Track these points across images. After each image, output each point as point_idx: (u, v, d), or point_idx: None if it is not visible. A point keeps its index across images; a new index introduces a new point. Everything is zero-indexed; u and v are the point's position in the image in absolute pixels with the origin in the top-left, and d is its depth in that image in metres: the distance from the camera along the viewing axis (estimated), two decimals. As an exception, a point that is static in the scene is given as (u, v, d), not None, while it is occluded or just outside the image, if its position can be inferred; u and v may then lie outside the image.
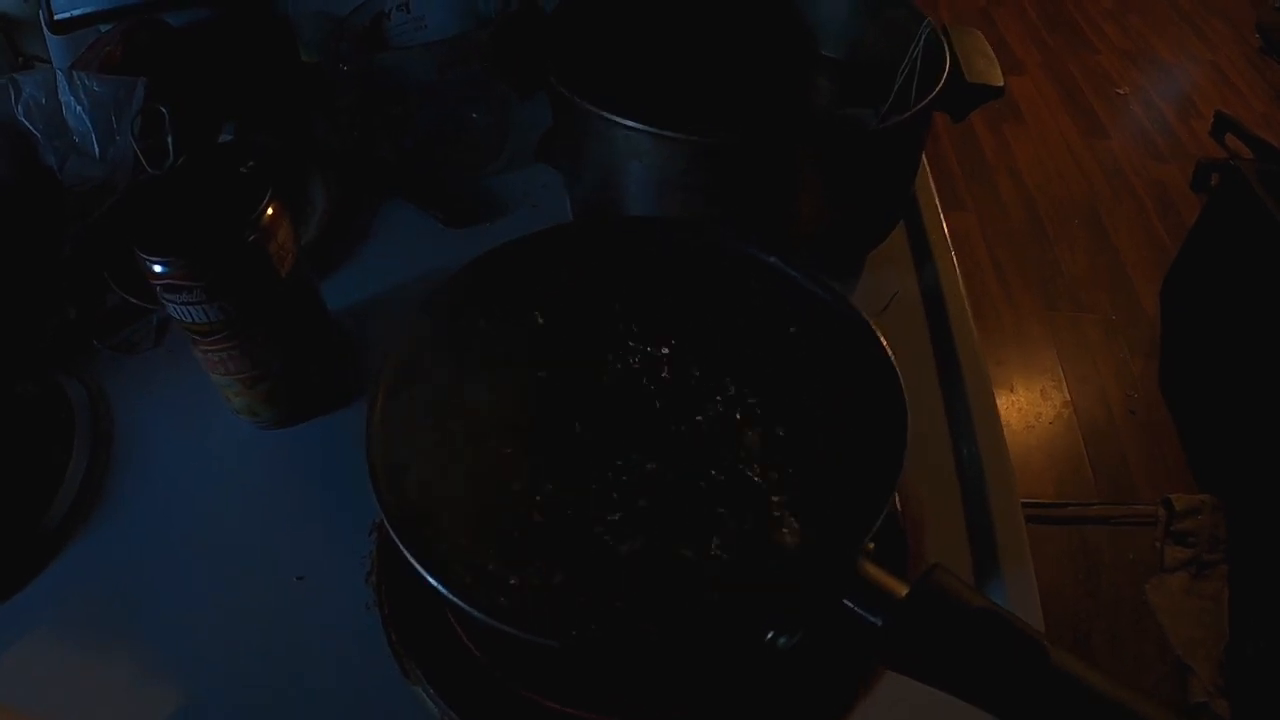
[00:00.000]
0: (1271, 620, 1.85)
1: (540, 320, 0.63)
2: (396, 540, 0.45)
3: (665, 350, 0.61)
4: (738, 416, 0.57)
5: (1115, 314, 2.56)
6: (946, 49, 0.79)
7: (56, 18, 1.03)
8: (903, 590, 0.43)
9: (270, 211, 0.69)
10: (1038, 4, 4.07)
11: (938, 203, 0.97)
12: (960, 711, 0.44)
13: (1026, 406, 2.31)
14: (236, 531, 0.73)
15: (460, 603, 0.43)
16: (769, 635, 0.44)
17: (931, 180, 1.00)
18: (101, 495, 0.75)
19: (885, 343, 0.54)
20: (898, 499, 0.68)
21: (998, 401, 0.78)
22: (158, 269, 0.65)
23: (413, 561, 0.45)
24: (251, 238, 0.67)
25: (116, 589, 0.69)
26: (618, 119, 0.70)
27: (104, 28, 1.05)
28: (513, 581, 0.48)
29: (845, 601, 0.43)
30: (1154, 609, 1.91)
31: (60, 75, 0.97)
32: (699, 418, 0.57)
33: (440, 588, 0.44)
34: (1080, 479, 2.16)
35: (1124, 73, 3.63)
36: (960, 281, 0.87)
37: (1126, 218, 2.90)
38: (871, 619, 0.43)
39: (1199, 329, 2.39)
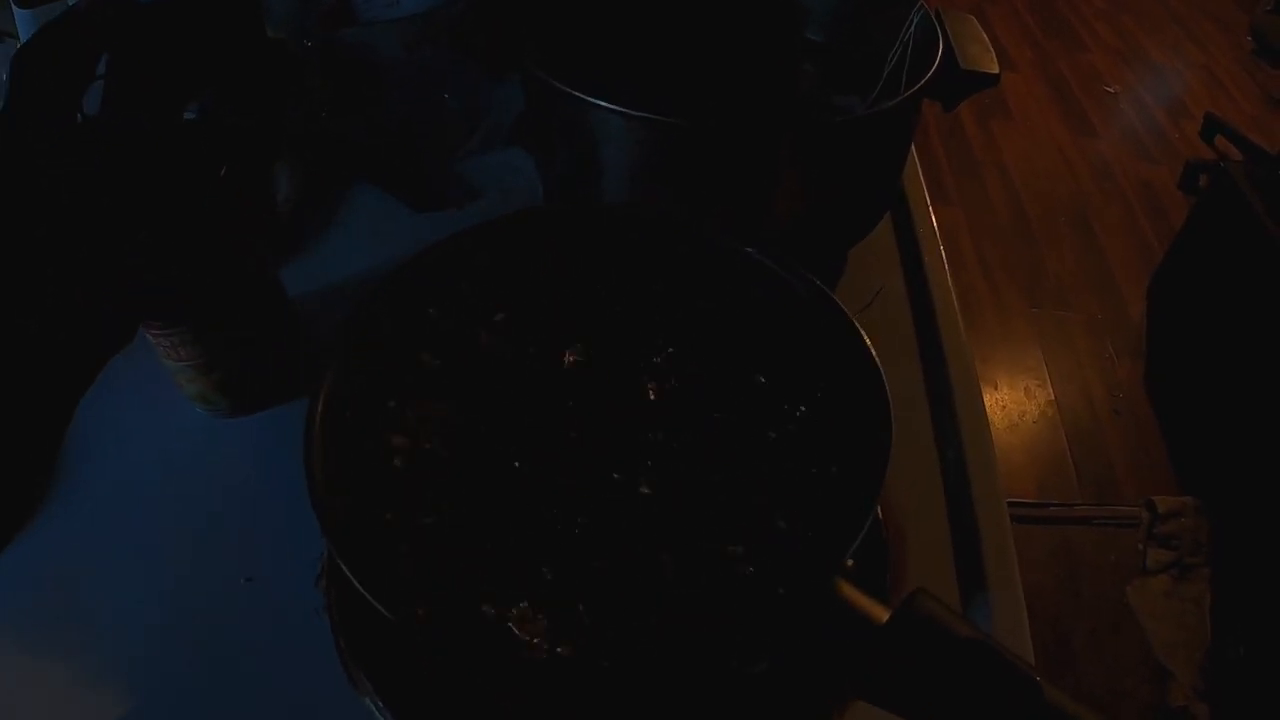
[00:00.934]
0: (1252, 624, 1.84)
1: (500, 312, 0.60)
2: (340, 562, 0.41)
3: (630, 345, 0.58)
4: (707, 423, 0.53)
5: (1101, 314, 2.55)
6: (940, 34, 0.75)
7: (23, -10, 0.98)
8: (884, 615, 0.40)
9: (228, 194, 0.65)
10: (1030, 2, 4.05)
11: (927, 196, 0.94)
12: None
13: (1010, 404, 2.29)
14: (185, 528, 0.69)
15: (407, 628, 0.40)
16: (736, 662, 0.41)
17: (921, 172, 0.97)
18: (44, 485, 0.72)
19: (869, 343, 0.50)
20: (878, 507, 0.65)
21: (980, 398, 0.76)
22: None
23: (360, 587, 0.41)
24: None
25: (56, 585, 0.66)
26: (591, 100, 0.67)
27: (71, 1, 1.01)
28: (465, 605, 0.45)
29: (820, 627, 0.40)
30: (1135, 611, 1.90)
31: (23, 48, 0.93)
32: (664, 425, 0.53)
33: (387, 613, 0.40)
34: (1063, 479, 2.14)
35: (1115, 72, 3.62)
36: (949, 278, 0.84)
37: (1114, 217, 2.89)
38: (849, 646, 0.40)
39: (1185, 331, 2.38)
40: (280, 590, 0.64)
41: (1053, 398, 2.31)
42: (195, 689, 0.60)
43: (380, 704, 0.56)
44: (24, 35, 1.06)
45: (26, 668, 0.62)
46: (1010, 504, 0.68)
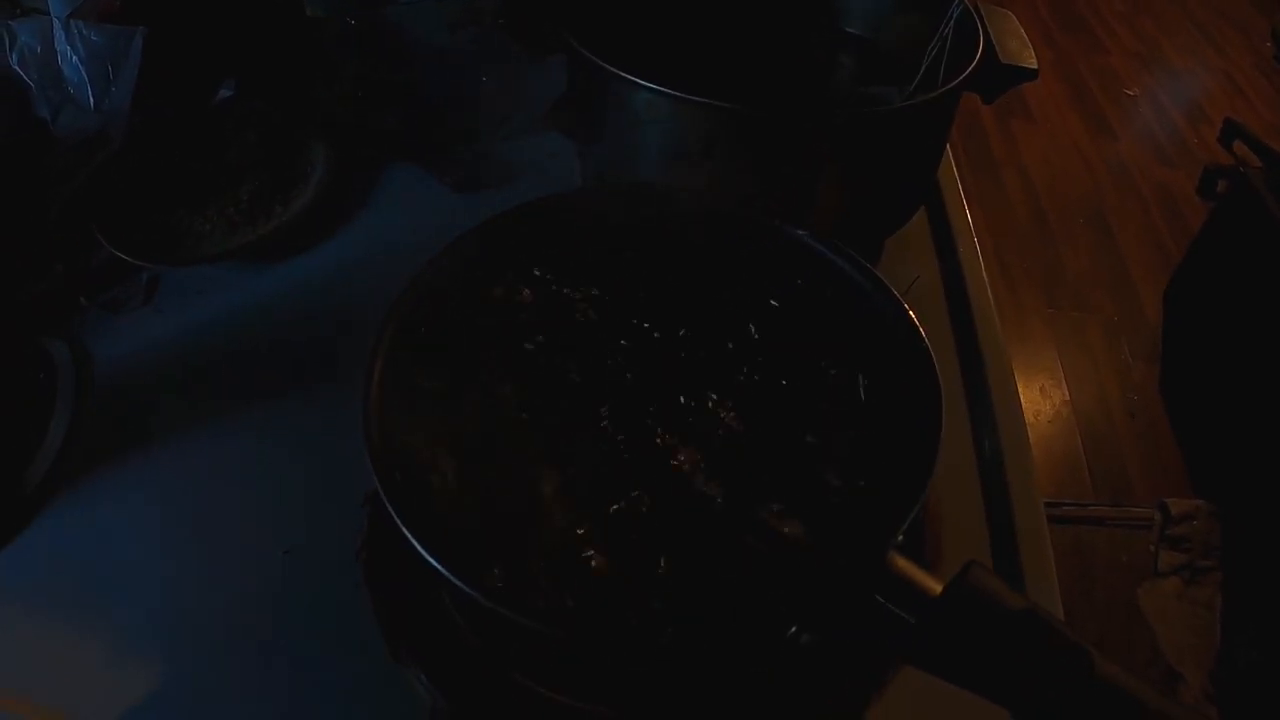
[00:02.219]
0: (1263, 629, 1.83)
1: (550, 289, 0.60)
2: (397, 519, 0.42)
3: (682, 329, 0.58)
4: (760, 404, 0.54)
5: (1117, 315, 2.54)
6: (980, 28, 0.75)
7: (55, -36, 0.99)
8: (937, 587, 0.40)
9: None
10: (1050, 2, 4.04)
11: (960, 188, 0.94)
12: (981, 712, 0.42)
13: (1025, 404, 2.27)
14: (222, 502, 0.70)
15: (476, 594, 0.40)
16: (791, 631, 0.41)
17: (954, 165, 0.97)
18: (83, 460, 0.72)
19: (921, 329, 0.51)
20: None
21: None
22: None
23: (413, 541, 0.42)
24: None
25: (94, 558, 0.66)
26: (640, 81, 0.67)
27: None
28: (522, 569, 0.45)
29: (876, 597, 0.41)
30: (1146, 614, 1.89)
31: (57, 23, 0.94)
32: (717, 405, 0.54)
33: (450, 575, 0.41)
34: (1077, 479, 2.14)
35: (1134, 75, 3.61)
36: (983, 269, 0.85)
37: (1131, 220, 2.88)
38: (904, 616, 0.40)
39: (1201, 335, 2.37)
40: (319, 562, 0.65)
41: (1068, 398, 2.31)
42: (233, 662, 0.61)
43: (424, 677, 0.56)
44: (55, 9, 1.07)
45: (66, 634, 0.62)
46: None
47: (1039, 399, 2.30)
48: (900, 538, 0.43)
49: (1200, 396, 2.30)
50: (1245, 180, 2.19)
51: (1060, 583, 1.81)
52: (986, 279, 0.84)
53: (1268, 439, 2.02)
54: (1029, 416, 2.23)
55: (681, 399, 0.54)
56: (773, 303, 0.59)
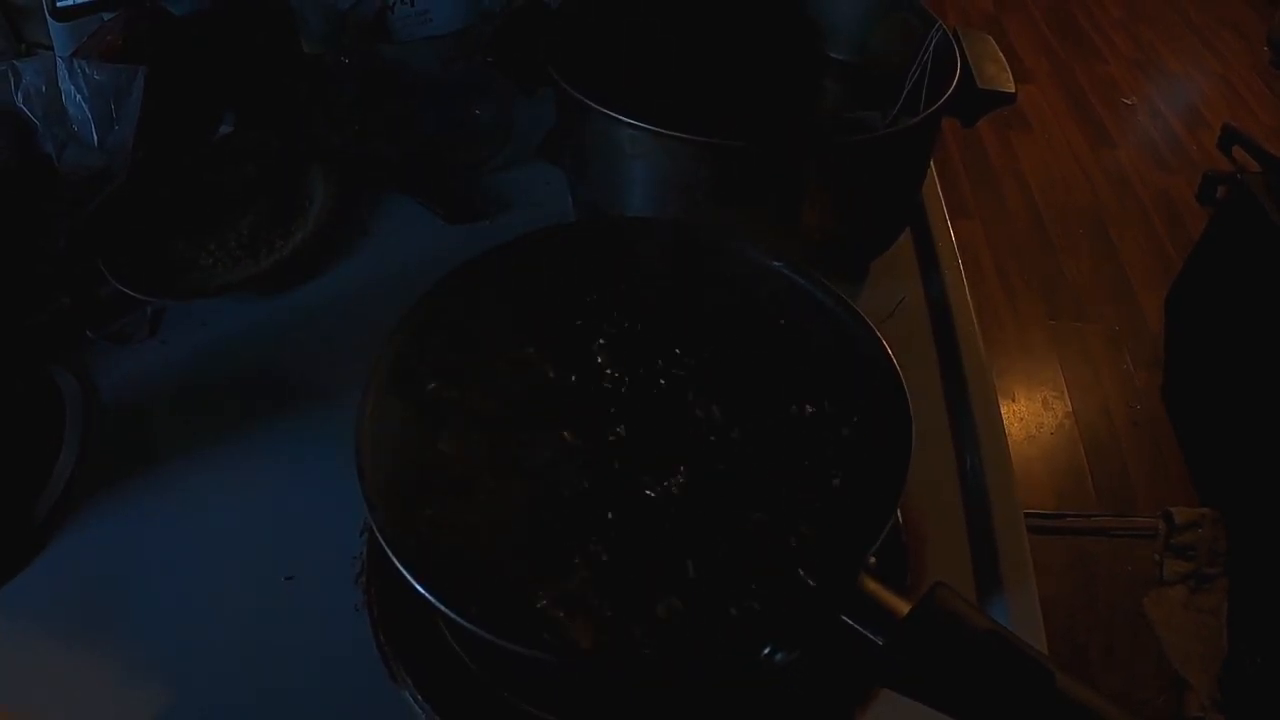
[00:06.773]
0: (1270, 636, 1.83)
1: (538, 322, 0.62)
2: (388, 549, 0.44)
3: (662, 358, 0.60)
4: (736, 429, 0.55)
5: (1119, 325, 2.54)
6: (958, 53, 0.77)
7: (59, 4, 1.02)
8: (904, 608, 0.42)
9: None
10: (1047, 12, 4.05)
11: (945, 209, 0.96)
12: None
13: (1028, 416, 2.29)
14: (226, 530, 0.71)
15: (461, 619, 0.42)
16: (765, 651, 0.43)
17: (939, 186, 0.98)
18: (90, 489, 0.74)
19: (892, 356, 0.52)
20: (899, 511, 0.67)
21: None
22: None
23: (404, 572, 0.43)
24: None
25: (102, 585, 0.68)
26: (622, 118, 0.69)
27: (106, 16, 1.04)
28: (508, 593, 0.47)
29: (844, 618, 0.42)
30: (1152, 622, 1.89)
31: (60, 62, 0.96)
32: (695, 432, 0.56)
33: (435, 600, 0.42)
34: (1081, 490, 2.14)
35: (1132, 83, 3.61)
36: (967, 290, 0.86)
37: (1131, 228, 2.88)
38: (871, 637, 0.42)
39: (1203, 342, 2.37)
40: (319, 588, 0.66)
41: (1070, 409, 2.31)
42: (236, 685, 0.62)
43: (419, 697, 0.58)
44: (59, 48, 1.09)
45: (75, 659, 0.64)
46: (1027, 514, 0.70)
47: (1041, 411, 2.30)
48: (873, 560, 0.45)
49: (1203, 403, 2.30)
50: (1244, 186, 2.19)
51: (1065, 594, 1.81)
52: (969, 296, 0.86)
53: (1272, 444, 2.02)
54: (1031, 429, 2.24)
55: (659, 429, 0.55)
56: (748, 333, 0.61)
